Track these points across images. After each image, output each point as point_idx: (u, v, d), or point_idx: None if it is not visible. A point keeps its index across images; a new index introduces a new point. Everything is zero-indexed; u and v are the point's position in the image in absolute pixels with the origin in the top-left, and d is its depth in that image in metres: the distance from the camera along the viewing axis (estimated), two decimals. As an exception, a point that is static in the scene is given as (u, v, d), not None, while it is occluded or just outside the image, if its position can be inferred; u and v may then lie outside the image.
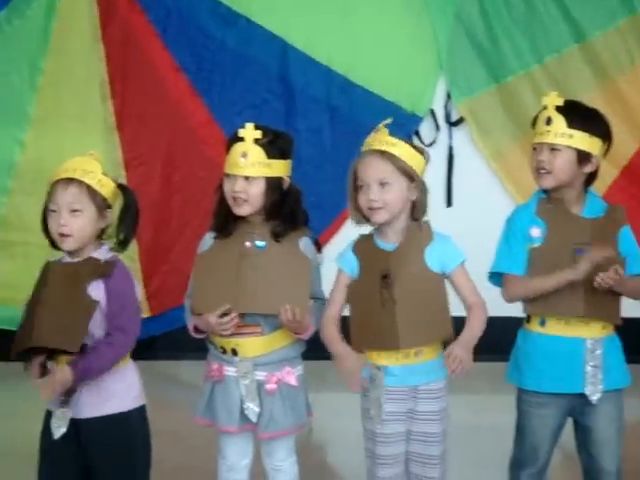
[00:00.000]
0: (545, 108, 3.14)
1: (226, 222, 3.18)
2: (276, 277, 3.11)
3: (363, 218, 3.09)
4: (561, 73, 5.72)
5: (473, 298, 3.05)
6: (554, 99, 3.13)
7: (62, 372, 2.88)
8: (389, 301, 2.98)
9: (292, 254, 3.14)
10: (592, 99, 5.31)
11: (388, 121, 3.08)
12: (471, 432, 4.48)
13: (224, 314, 3.08)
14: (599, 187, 5.24)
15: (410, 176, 3.04)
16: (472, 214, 5.64)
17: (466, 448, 4.21)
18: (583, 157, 3.12)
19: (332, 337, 3.09)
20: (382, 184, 3.01)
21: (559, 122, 3.10)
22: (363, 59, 5.79)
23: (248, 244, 3.15)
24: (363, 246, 3.11)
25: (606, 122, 3.19)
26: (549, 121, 3.11)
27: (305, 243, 3.19)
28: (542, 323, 3.14)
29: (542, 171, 3.13)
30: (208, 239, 3.22)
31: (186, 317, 3.21)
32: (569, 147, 3.10)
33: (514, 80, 5.74)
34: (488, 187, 5.83)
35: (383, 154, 3.02)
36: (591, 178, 3.20)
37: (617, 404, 3.16)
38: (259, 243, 3.15)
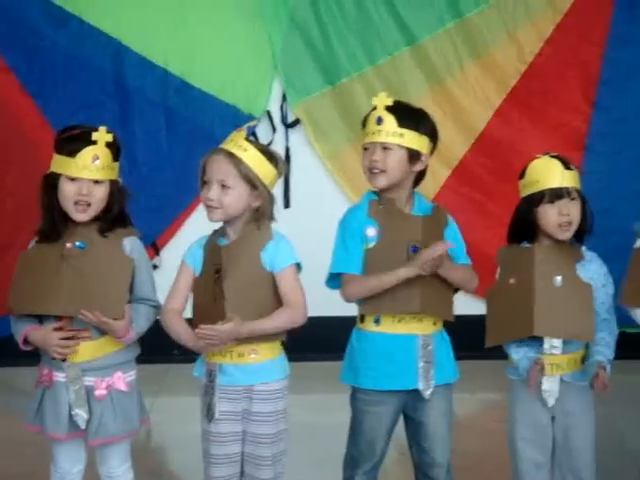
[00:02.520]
0: (375, 108, 3.17)
1: (55, 226, 3.11)
2: (94, 278, 3.06)
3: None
4: (394, 75, 5.81)
5: (293, 302, 3.03)
6: (384, 99, 3.16)
7: None
8: (219, 296, 2.99)
9: (113, 254, 3.10)
10: (424, 101, 5.45)
11: (253, 124, 3.08)
12: (308, 431, 4.50)
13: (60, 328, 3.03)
14: (431, 187, 5.42)
15: (253, 183, 3.04)
16: (310, 215, 5.69)
17: (304, 447, 4.23)
18: (413, 156, 3.15)
19: (179, 329, 3.07)
20: (223, 185, 3.02)
21: (390, 121, 3.13)
22: (199, 61, 5.77)
23: (69, 245, 3.09)
24: (209, 242, 3.12)
25: (432, 121, 3.23)
26: (380, 121, 3.14)
27: (132, 243, 3.15)
28: (377, 321, 3.17)
29: (375, 170, 3.15)
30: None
31: (13, 328, 3.14)
32: (400, 146, 3.13)
33: (348, 82, 5.81)
34: (325, 188, 5.88)
35: (231, 156, 3.03)
36: (420, 177, 3.24)
37: (447, 399, 3.23)
38: (79, 243, 3.09)
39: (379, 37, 5.80)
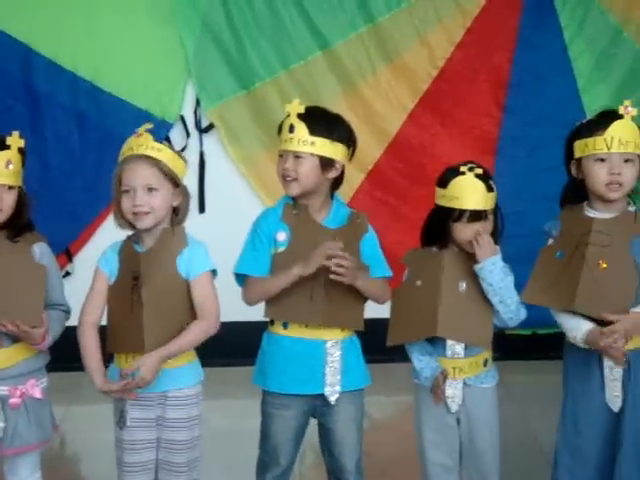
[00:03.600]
0: (288, 116, 3.16)
1: None
2: (8, 286, 3.00)
3: (127, 223, 3.06)
4: (307, 79, 5.82)
5: (206, 311, 3.02)
6: (296, 107, 3.15)
7: None
8: (137, 304, 2.96)
9: (25, 261, 3.06)
10: (337, 105, 5.45)
11: (149, 126, 3.07)
12: (224, 437, 4.49)
13: None
14: (346, 191, 5.43)
15: (175, 182, 3.06)
16: (225, 220, 5.66)
17: (220, 453, 4.23)
18: (326, 163, 3.14)
19: (88, 349, 3.03)
20: (149, 189, 3.01)
21: (301, 130, 3.11)
22: (110, 65, 5.69)
23: None
24: (124, 248, 3.09)
25: (348, 127, 3.23)
26: (292, 129, 3.12)
27: (41, 248, 3.11)
28: (285, 325, 3.18)
29: (288, 178, 3.15)
30: None
31: None
32: (312, 154, 3.12)
33: (262, 86, 5.80)
34: (240, 192, 5.87)
35: (149, 159, 3.01)
36: (337, 183, 3.24)
37: (357, 404, 3.22)
38: None
39: (292, 41, 5.80)
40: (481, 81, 5.88)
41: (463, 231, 3.14)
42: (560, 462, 3.16)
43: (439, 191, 3.18)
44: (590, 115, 3.23)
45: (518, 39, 5.84)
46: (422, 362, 3.15)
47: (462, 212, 3.12)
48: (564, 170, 3.22)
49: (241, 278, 3.21)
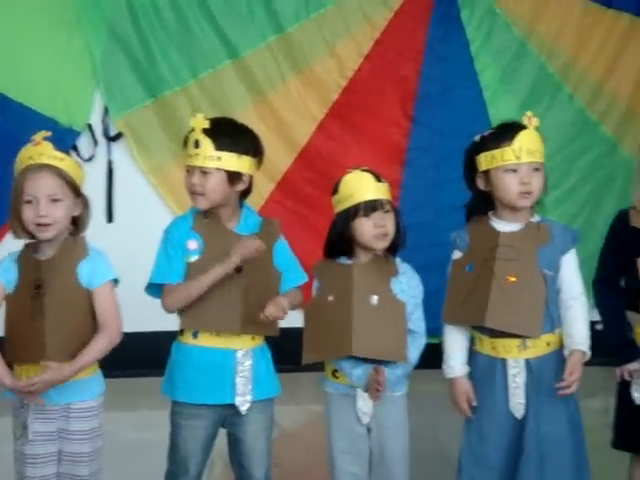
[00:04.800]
0: (193, 130, 3.13)
1: None
2: None
3: (25, 233, 3.02)
4: (217, 89, 5.82)
5: (108, 321, 3.01)
6: (200, 122, 3.11)
7: None
8: (39, 312, 2.93)
9: None
10: (247, 114, 5.47)
11: (47, 134, 3.03)
12: (132, 448, 4.45)
13: None
14: (256, 201, 5.42)
15: (77, 191, 3.03)
16: (134, 230, 5.62)
17: (128, 465, 4.18)
18: (234, 177, 3.13)
19: None
20: (53, 200, 2.97)
21: (207, 145, 3.09)
22: (17, 74, 5.63)
23: None
24: (23, 257, 3.04)
25: (254, 137, 3.21)
26: (197, 144, 3.09)
27: None
28: (195, 335, 3.16)
29: (196, 193, 3.13)
30: None
31: None
32: (218, 169, 3.10)
33: (171, 95, 5.78)
34: (149, 202, 5.83)
35: (52, 169, 2.98)
36: (245, 193, 3.23)
37: (266, 414, 3.23)
38: None
39: (201, 50, 5.79)
40: (390, 92, 5.95)
41: (364, 226, 3.14)
42: (464, 470, 3.19)
43: (334, 199, 3.21)
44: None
45: (426, 51, 5.93)
46: (352, 365, 3.14)
47: (358, 207, 3.15)
48: (471, 181, 3.26)
49: (155, 288, 3.18)
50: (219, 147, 3.10)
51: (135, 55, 5.76)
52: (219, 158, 3.10)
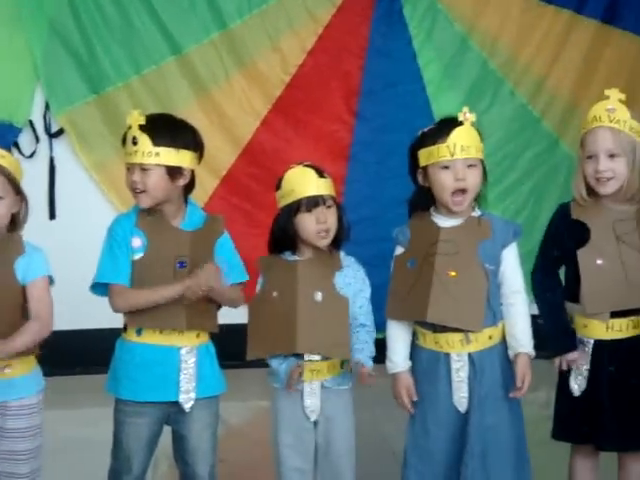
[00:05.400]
0: (130, 128, 3.11)
1: None
2: None
3: None
4: (160, 85, 5.79)
5: (40, 313, 3.00)
6: (136, 118, 3.10)
7: None
8: None
9: None
10: (191, 110, 5.47)
11: None
12: (75, 446, 4.41)
13: None
14: (201, 197, 5.41)
15: (17, 189, 3.01)
16: (76, 226, 5.58)
17: (71, 463, 4.15)
18: (174, 172, 3.12)
19: None
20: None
21: (144, 141, 3.07)
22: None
23: None
24: None
25: (193, 131, 3.20)
26: (135, 141, 3.08)
27: None
28: (139, 332, 3.15)
29: (137, 191, 3.12)
30: None
31: None
32: (158, 165, 3.09)
33: (113, 91, 5.74)
34: (91, 199, 5.79)
35: None
36: (189, 188, 3.22)
37: (211, 411, 3.22)
38: None
39: (144, 46, 5.76)
40: (333, 88, 5.96)
41: (306, 221, 3.15)
42: (409, 464, 3.20)
43: (277, 195, 3.21)
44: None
45: (369, 47, 5.95)
46: (280, 361, 3.15)
47: (299, 202, 3.15)
48: (413, 176, 3.28)
49: (100, 287, 3.16)
50: (157, 143, 3.08)
51: (77, 51, 5.71)
52: (157, 154, 3.09)
